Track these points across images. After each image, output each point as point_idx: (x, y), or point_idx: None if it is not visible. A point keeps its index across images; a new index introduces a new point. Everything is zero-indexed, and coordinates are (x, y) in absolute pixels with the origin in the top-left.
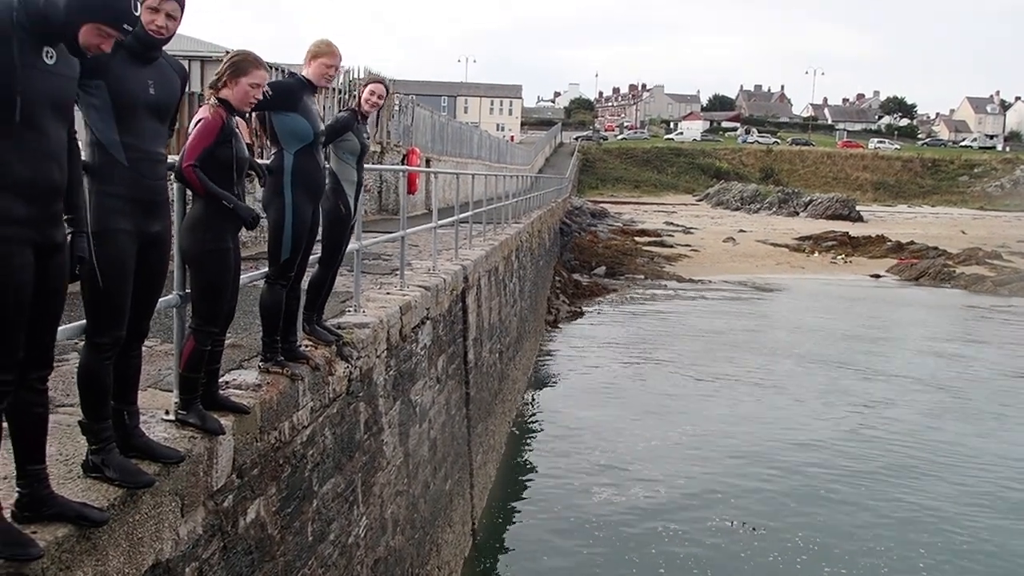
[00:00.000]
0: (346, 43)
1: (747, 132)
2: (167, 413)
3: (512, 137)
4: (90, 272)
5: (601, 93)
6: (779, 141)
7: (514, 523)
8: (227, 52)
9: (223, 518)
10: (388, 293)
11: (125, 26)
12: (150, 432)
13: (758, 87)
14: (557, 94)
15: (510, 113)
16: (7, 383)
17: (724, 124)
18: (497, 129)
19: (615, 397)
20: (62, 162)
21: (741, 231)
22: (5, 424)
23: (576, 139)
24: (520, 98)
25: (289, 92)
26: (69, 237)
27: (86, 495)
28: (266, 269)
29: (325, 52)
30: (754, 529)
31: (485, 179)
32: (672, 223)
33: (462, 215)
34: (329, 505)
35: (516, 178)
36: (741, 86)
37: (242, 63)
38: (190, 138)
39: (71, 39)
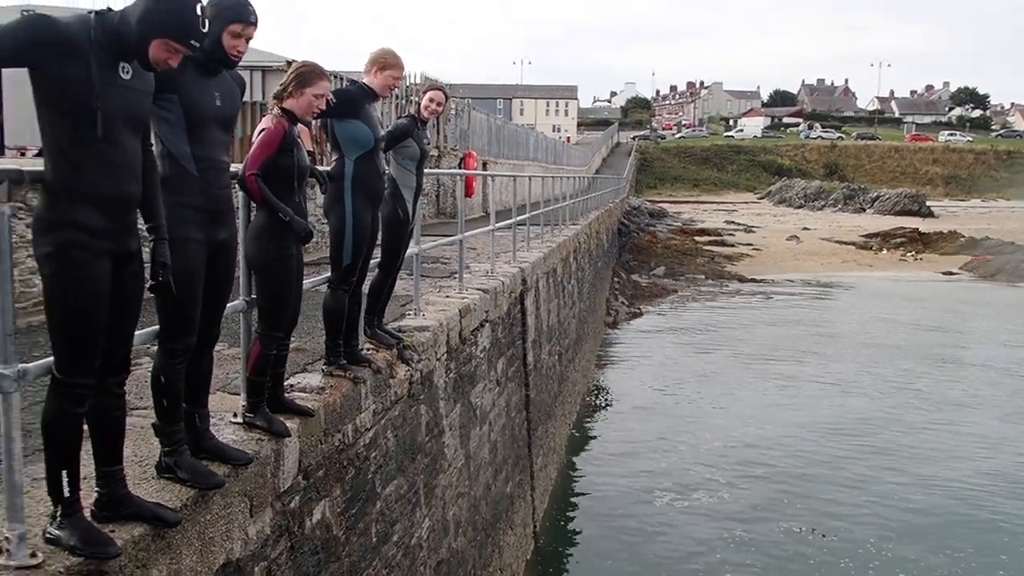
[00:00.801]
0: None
1: (810, 127)
2: (235, 416)
3: (568, 138)
4: (167, 283)
5: (658, 91)
6: (844, 136)
7: (575, 526)
8: (288, 62)
9: (290, 519)
10: (447, 296)
11: (192, 42)
12: (219, 434)
13: (821, 81)
14: (613, 94)
15: (566, 114)
16: (87, 387)
17: (786, 120)
18: (553, 130)
19: (676, 399)
20: (138, 174)
21: (805, 229)
22: (86, 426)
23: (633, 139)
24: (576, 99)
25: (351, 100)
26: (151, 245)
27: (160, 496)
28: (328, 274)
29: (392, 64)
30: (823, 535)
31: (542, 181)
32: (733, 222)
33: (519, 217)
34: (392, 506)
35: (573, 179)
36: (803, 80)
37: (307, 74)
38: (253, 147)
39: (143, 55)
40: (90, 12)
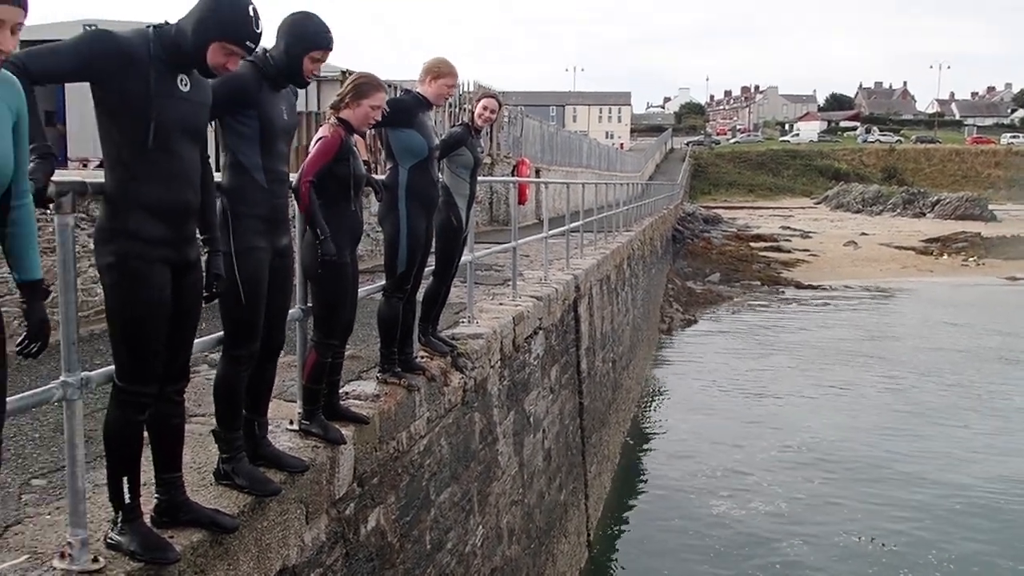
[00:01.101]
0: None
1: (867, 131)
2: (291, 423)
3: (621, 144)
4: (231, 288)
5: (712, 97)
6: (902, 139)
7: (630, 535)
8: (342, 72)
9: (345, 526)
10: (501, 304)
11: (248, 43)
12: (276, 442)
13: (878, 84)
14: (667, 99)
15: (619, 120)
16: (147, 395)
17: (842, 124)
18: (606, 137)
19: (731, 406)
20: (196, 184)
21: (863, 234)
22: (145, 434)
23: (687, 144)
24: (629, 105)
25: (406, 109)
26: (205, 256)
27: (218, 502)
28: (383, 282)
29: (446, 73)
30: (883, 545)
31: (595, 187)
32: (789, 227)
33: (573, 224)
34: (446, 514)
35: (626, 185)
36: (860, 84)
37: (364, 86)
38: (310, 155)
39: (201, 61)
40: (148, 26)
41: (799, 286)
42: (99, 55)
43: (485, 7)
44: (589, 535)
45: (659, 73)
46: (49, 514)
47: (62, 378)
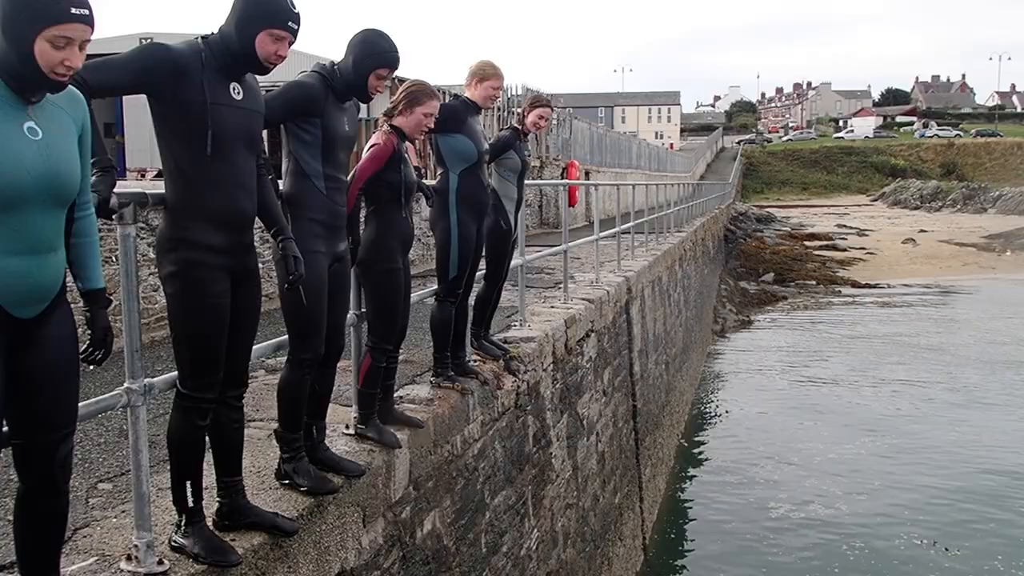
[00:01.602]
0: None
1: (925, 126)
2: (347, 427)
3: (671, 145)
4: (294, 294)
5: (763, 94)
6: (961, 133)
7: (686, 538)
8: (393, 79)
9: (401, 529)
10: (552, 307)
11: (290, 23)
12: (332, 446)
13: (935, 78)
14: (717, 98)
15: (668, 120)
16: (209, 401)
17: (899, 119)
18: (656, 137)
19: (788, 408)
20: (252, 191)
21: (921, 231)
22: (207, 438)
23: (738, 143)
24: (678, 104)
25: (454, 114)
26: (279, 244)
27: (277, 505)
28: (435, 287)
29: (492, 75)
30: (946, 549)
31: (645, 188)
32: (845, 225)
33: (623, 226)
34: (501, 517)
35: (677, 186)
36: (916, 78)
37: (417, 94)
38: (362, 160)
39: (252, 57)
40: (198, 38)
41: (856, 285)
42: (153, 67)
43: (533, 10)
44: (644, 538)
45: (709, 71)
46: (115, 517)
47: (126, 385)
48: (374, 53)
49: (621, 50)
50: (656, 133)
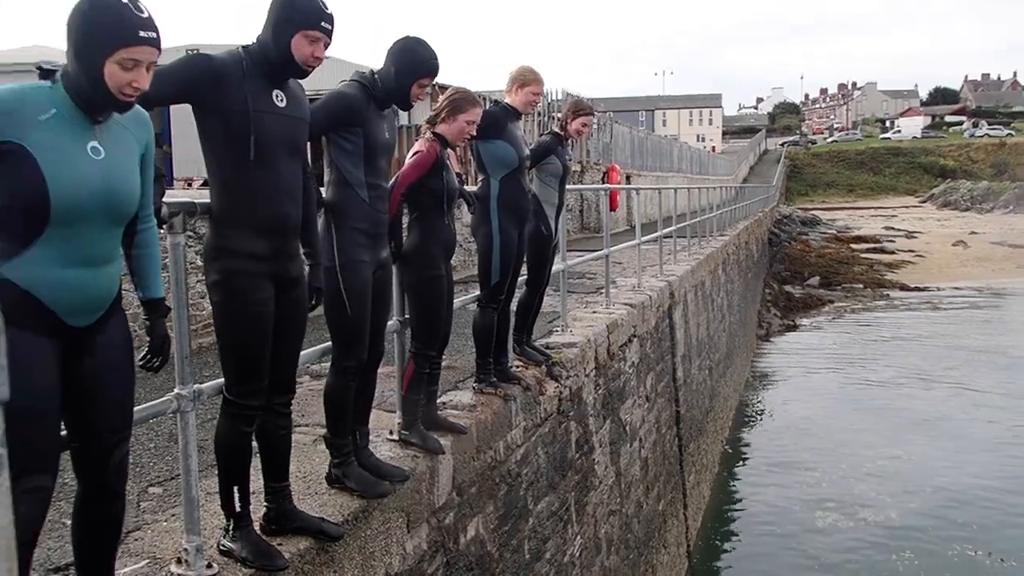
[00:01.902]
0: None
1: (975, 125)
2: (391, 433)
3: (713, 148)
4: (338, 301)
5: (807, 95)
6: (1013, 133)
7: (731, 546)
8: (434, 86)
9: (445, 534)
10: (594, 312)
11: (323, 24)
12: (376, 451)
13: (986, 76)
14: (760, 100)
15: (710, 123)
16: (255, 407)
17: (948, 118)
18: (697, 140)
19: (834, 412)
20: (297, 199)
21: (972, 233)
22: (255, 443)
23: (782, 145)
24: (720, 107)
25: (495, 120)
26: (307, 269)
27: (323, 510)
28: (477, 293)
29: (532, 80)
30: (1002, 560)
31: (687, 192)
32: (892, 227)
33: (665, 230)
34: (544, 523)
35: (719, 189)
36: (966, 76)
37: (460, 101)
38: (405, 167)
39: (289, 61)
40: (239, 47)
41: (904, 288)
42: (196, 77)
43: (573, 14)
44: (689, 546)
45: (751, 74)
46: (165, 521)
47: (176, 390)
48: (415, 61)
49: (661, 53)
50: (698, 136)
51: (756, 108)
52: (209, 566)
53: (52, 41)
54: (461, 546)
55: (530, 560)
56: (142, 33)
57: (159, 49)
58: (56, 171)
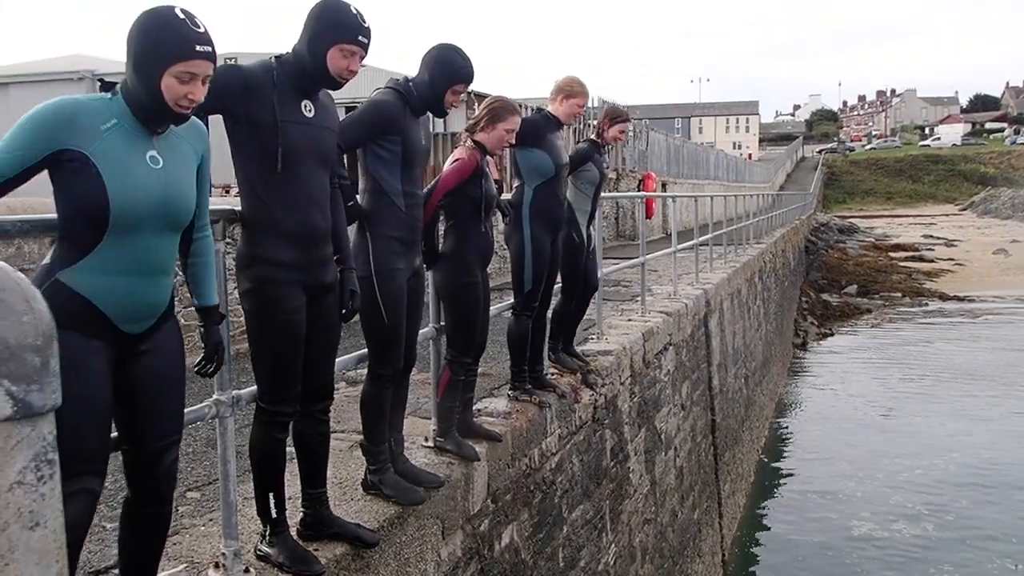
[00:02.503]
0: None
1: (1016, 132)
2: (426, 440)
3: (750, 155)
4: (374, 309)
5: (845, 102)
6: None
7: (767, 555)
8: (468, 93)
9: (480, 542)
10: (630, 320)
11: (360, 38)
12: (411, 458)
13: None
14: (797, 107)
15: (747, 130)
16: (288, 415)
17: (988, 125)
18: (734, 148)
19: (871, 423)
20: (325, 208)
21: (1014, 241)
22: (291, 449)
23: (819, 152)
24: (757, 114)
25: (535, 129)
26: (340, 275)
27: (359, 516)
28: (512, 300)
29: (578, 92)
30: None
31: (724, 200)
32: (931, 236)
33: (702, 238)
34: (579, 531)
35: (756, 197)
36: (1007, 83)
37: (500, 110)
38: (444, 174)
39: (324, 72)
40: (271, 57)
41: (944, 297)
42: (225, 87)
43: (609, 21)
44: (724, 555)
45: (788, 80)
46: (203, 525)
47: (215, 396)
48: (450, 68)
49: (698, 61)
50: (734, 144)
51: (793, 115)
52: (247, 571)
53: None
54: (496, 553)
55: (564, 568)
56: (199, 47)
57: (215, 63)
58: (117, 180)
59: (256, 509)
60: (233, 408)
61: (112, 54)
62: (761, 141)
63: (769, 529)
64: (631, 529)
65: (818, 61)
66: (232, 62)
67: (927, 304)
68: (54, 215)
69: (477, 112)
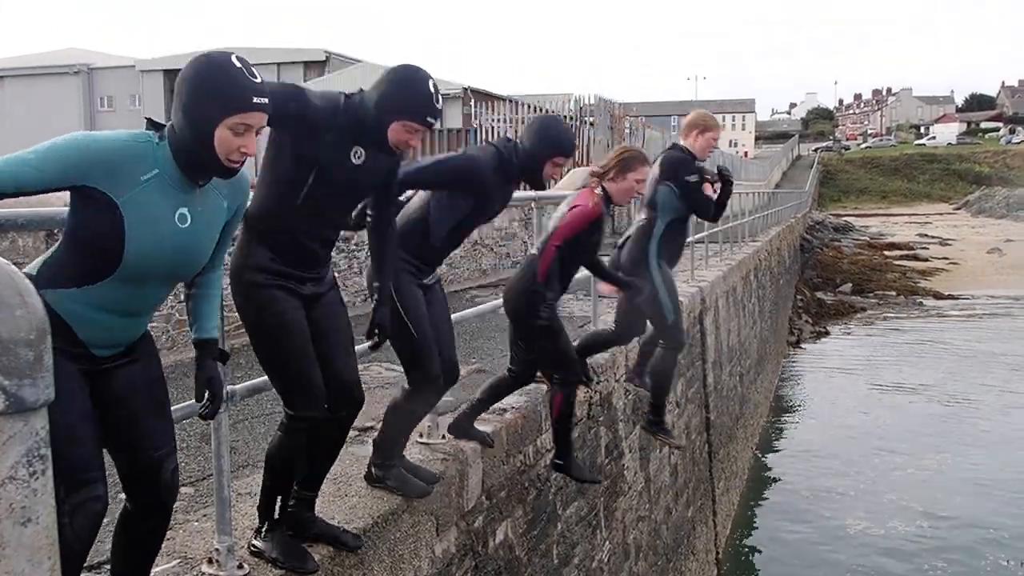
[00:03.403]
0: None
1: (1011, 132)
2: (420, 436)
3: (746, 153)
4: (402, 327)
5: (841, 101)
6: None
7: (760, 554)
8: (464, 89)
9: (474, 538)
10: None
11: (429, 119)
12: (407, 453)
13: (1022, 82)
14: (793, 105)
15: (743, 128)
16: (312, 420)
17: (983, 125)
18: (730, 145)
19: (866, 420)
20: (330, 240)
21: (1008, 240)
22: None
23: (815, 151)
24: (753, 112)
25: (685, 166)
26: (373, 306)
27: (353, 512)
28: (496, 300)
29: (713, 126)
30: None
31: None
32: (926, 234)
33: (697, 236)
34: (573, 529)
35: (751, 195)
36: (1003, 82)
37: (631, 160)
38: (566, 219)
39: (382, 138)
40: (342, 94)
41: (938, 296)
42: (285, 111)
43: (605, 18)
44: (718, 553)
45: (784, 78)
46: (196, 521)
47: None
48: (551, 140)
49: (694, 58)
50: (730, 141)
51: (789, 113)
52: (240, 566)
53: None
54: (490, 550)
55: (558, 565)
56: (256, 99)
57: (269, 115)
58: (139, 235)
59: (257, 506)
60: (227, 404)
61: (106, 48)
62: (757, 139)
63: (764, 526)
64: (625, 526)
65: (814, 60)
66: (300, 88)
67: (922, 303)
68: (51, 210)
69: (606, 160)
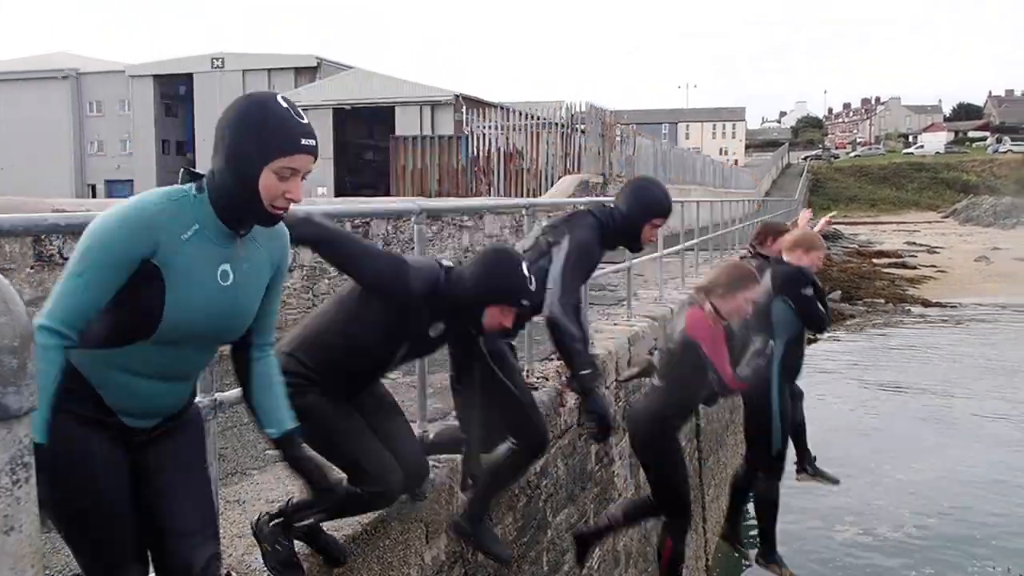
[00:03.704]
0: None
1: (999, 141)
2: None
3: (736, 161)
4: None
5: (831, 109)
6: None
7: (750, 561)
8: (456, 96)
9: (464, 545)
10: (615, 324)
11: (523, 302)
12: None
13: (1010, 92)
14: (783, 114)
15: (733, 136)
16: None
17: (971, 134)
18: (720, 153)
19: (853, 427)
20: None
21: (995, 249)
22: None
23: (804, 159)
24: (743, 120)
25: (798, 281)
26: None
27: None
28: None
29: (820, 247)
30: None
31: (710, 205)
32: (914, 243)
33: (688, 243)
34: (563, 536)
35: (742, 203)
36: (990, 92)
37: (742, 279)
38: (713, 349)
39: (477, 323)
40: (442, 266)
41: (926, 304)
42: (391, 280)
43: (596, 26)
44: (707, 560)
45: (774, 87)
46: None
47: (197, 399)
48: (649, 203)
49: (689, 62)
50: (720, 149)
51: (779, 122)
52: (228, 575)
53: (77, 48)
54: (480, 558)
55: (548, 572)
56: (303, 141)
57: (316, 157)
58: (179, 297)
59: (291, 507)
60: (215, 411)
61: (96, 53)
62: (747, 147)
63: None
64: (615, 533)
65: (804, 68)
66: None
67: (910, 310)
68: (37, 216)
69: (714, 277)
